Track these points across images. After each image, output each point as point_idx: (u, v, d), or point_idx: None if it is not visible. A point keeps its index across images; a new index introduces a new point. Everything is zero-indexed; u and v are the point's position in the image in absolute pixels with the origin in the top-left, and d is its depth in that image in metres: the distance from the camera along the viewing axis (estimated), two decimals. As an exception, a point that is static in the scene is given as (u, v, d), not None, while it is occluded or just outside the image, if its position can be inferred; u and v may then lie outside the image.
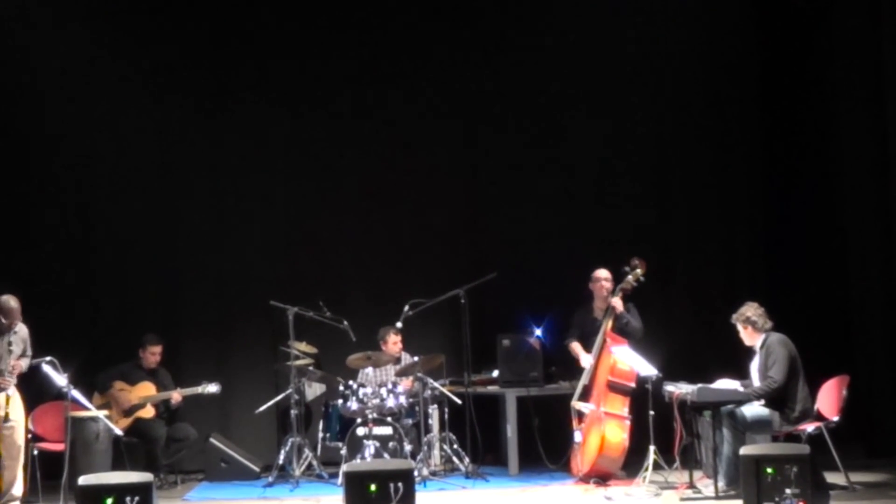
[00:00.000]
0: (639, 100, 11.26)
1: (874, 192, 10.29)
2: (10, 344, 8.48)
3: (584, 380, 9.37)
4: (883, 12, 10.04)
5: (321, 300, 9.95)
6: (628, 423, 9.15)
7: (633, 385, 9.17)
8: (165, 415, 9.96)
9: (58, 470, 8.44)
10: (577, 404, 9.36)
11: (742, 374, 8.84)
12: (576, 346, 9.71)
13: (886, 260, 10.17)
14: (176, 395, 9.83)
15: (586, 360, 9.46)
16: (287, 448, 9.68)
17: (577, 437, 9.31)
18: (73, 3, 10.84)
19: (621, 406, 9.18)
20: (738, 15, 11.34)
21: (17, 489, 8.60)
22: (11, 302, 8.52)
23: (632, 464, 9.27)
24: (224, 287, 10.95)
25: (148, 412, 9.81)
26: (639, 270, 9.37)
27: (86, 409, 8.96)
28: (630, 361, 9.10)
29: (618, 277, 9.48)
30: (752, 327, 8.64)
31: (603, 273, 9.72)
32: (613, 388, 9.18)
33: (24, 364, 8.57)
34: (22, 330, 8.66)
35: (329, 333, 10.16)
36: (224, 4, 11.07)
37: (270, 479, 9.60)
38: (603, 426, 9.09)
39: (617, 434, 9.10)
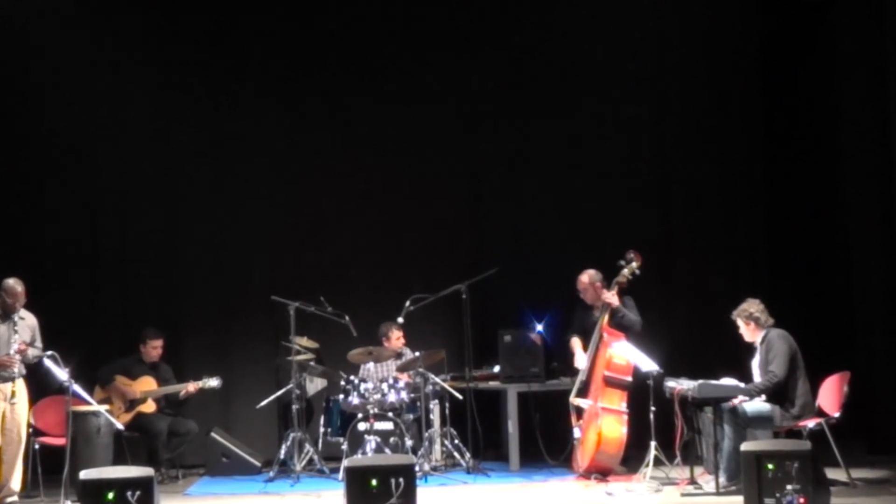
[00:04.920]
0: (640, 98, 11.24)
1: (876, 189, 10.27)
2: (14, 325, 8.52)
3: (581, 376, 9.33)
4: (885, 6, 10.01)
5: (322, 295, 9.95)
6: (626, 417, 9.13)
7: (629, 379, 9.14)
8: (167, 409, 9.96)
9: (59, 464, 8.44)
10: (575, 400, 9.33)
11: (743, 370, 8.83)
12: (574, 343, 9.61)
13: (888, 256, 10.15)
14: (191, 387, 9.84)
15: (580, 359, 9.41)
16: (288, 443, 9.69)
17: (577, 433, 9.29)
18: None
19: (619, 401, 9.15)
20: (740, 11, 11.32)
21: (16, 483, 8.64)
22: (18, 287, 8.61)
23: (632, 459, 9.27)
24: (226, 282, 10.96)
25: (149, 406, 9.82)
26: (634, 264, 9.28)
27: (87, 403, 8.96)
28: (631, 357, 9.09)
29: (614, 271, 9.40)
30: (754, 323, 8.63)
31: (586, 278, 9.58)
32: (610, 382, 9.15)
33: (31, 353, 8.58)
34: (29, 318, 8.72)
35: (330, 329, 10.16)
36: (225, 1, 11.06)
37: (271, 473, 9.61)
38: (600, 422, 9.07)
39: (614, 429, 9.08)
